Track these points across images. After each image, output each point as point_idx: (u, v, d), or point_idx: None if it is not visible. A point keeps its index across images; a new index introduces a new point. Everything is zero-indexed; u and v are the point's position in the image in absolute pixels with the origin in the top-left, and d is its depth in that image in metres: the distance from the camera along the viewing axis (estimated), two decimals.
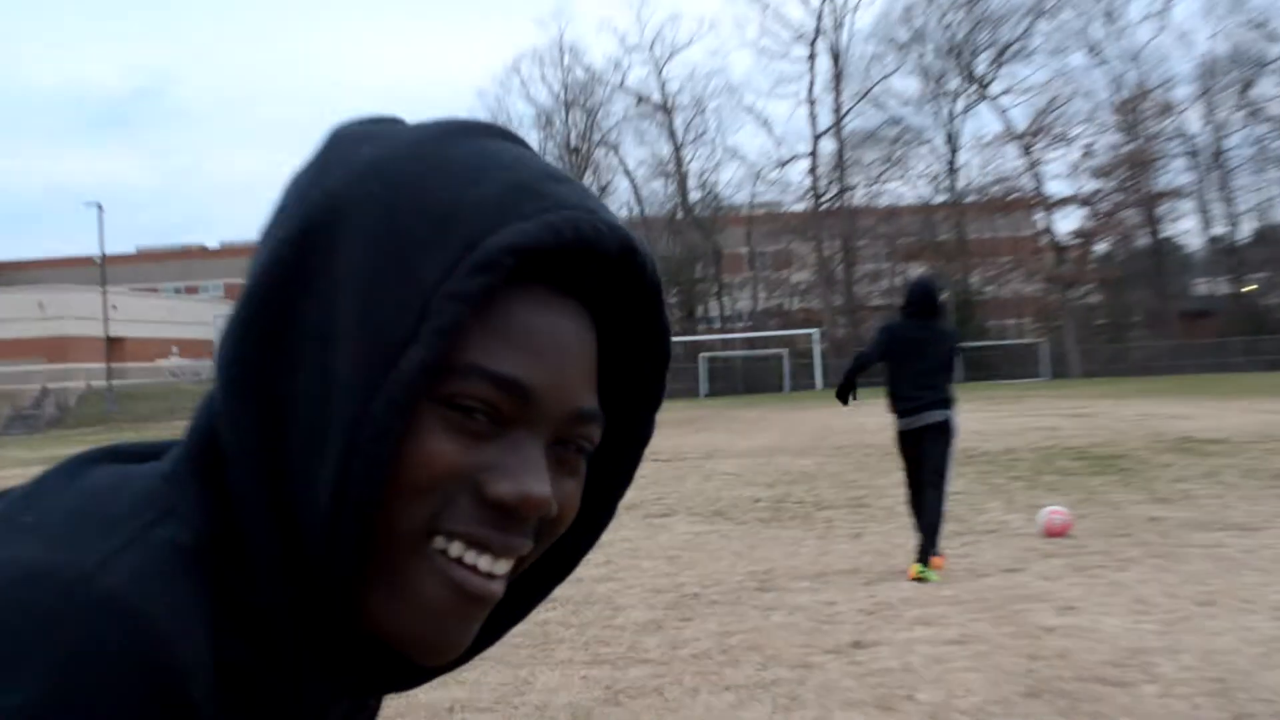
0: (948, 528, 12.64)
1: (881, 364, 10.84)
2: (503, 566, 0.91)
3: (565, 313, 0.92)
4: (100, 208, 77.15)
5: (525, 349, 0.89)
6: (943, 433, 10.54)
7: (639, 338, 1.00)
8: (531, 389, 0.89)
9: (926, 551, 10.22)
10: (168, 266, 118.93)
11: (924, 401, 10.54)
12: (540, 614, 9.25)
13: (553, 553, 1.03)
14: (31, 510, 0.85)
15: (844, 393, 11.04)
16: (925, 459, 10.57)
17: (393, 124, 0.95)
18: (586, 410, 0.94)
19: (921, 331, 10.67)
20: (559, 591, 9.99)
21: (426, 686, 7.20)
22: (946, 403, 10.56)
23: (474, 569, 0.89)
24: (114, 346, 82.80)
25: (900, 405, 10.70)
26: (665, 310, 0.99)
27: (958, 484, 16.60)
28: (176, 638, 0.79)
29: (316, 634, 0.90)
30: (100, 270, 79.45)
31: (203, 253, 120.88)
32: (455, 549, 0.88)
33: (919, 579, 10.06)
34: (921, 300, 10.79)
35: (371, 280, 0.86)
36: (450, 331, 0.84)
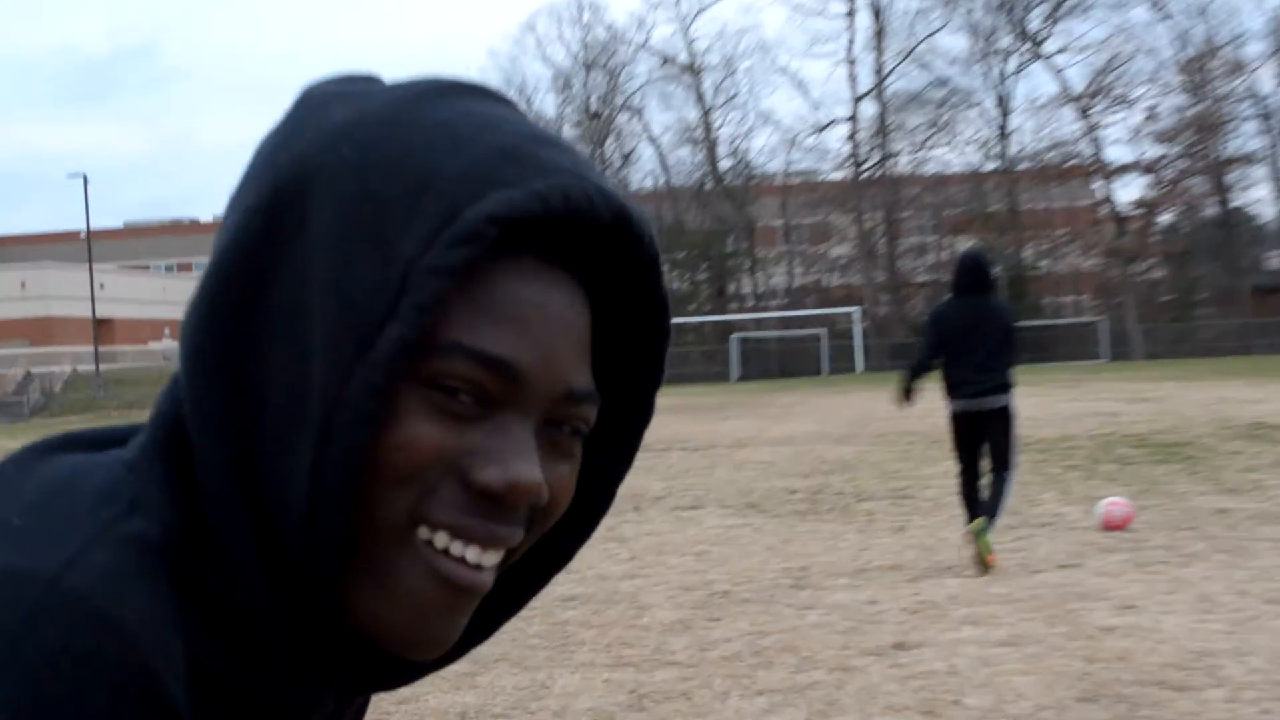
0: (1000, 521, 12.66)
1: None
2: (491, 558, 0.91)
3: (555, 285, 0.92)
4: (85, 179, 77.46)
5: (512, 324, 0.88)
6: (1002, 419, 10.70)
7: (637, 312, 1.00)
8: (519, 367, 0.88)
9: (992, 515, 10.45)
10: (159, 242, 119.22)
11: (983, 386, 10.67)
12: (560, 613, 9.29)
13: (548, 542, 1.02)
14: None
15: (904, 393, 11.32)
16: (990, 447, 10.77)
17: (367, 83, 0.95)
18: (579, 389, 0.93)
19: (973, 311, 10.76)
20: (579, 590, 10.04)
21: (437, 691, 7.26)
22: (1005, 387, 10.68)
23: (461, 560, 0.89)
24: (102, 328, 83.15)
25: (956, 389, 10.82)
26: (664, 282, 0.99)
27: None
28: (148, 640, 0.80)
29: (297, 631, 0.90)
30: (86, 247, 79.77)
31: (196, 227, 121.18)
32: (440, 540, 0.88)
33: (977, 535, 10.20)
34: (970, 276, 10.89)
35: (345, 253, 0.85)
36: (430, 308, 0.84)
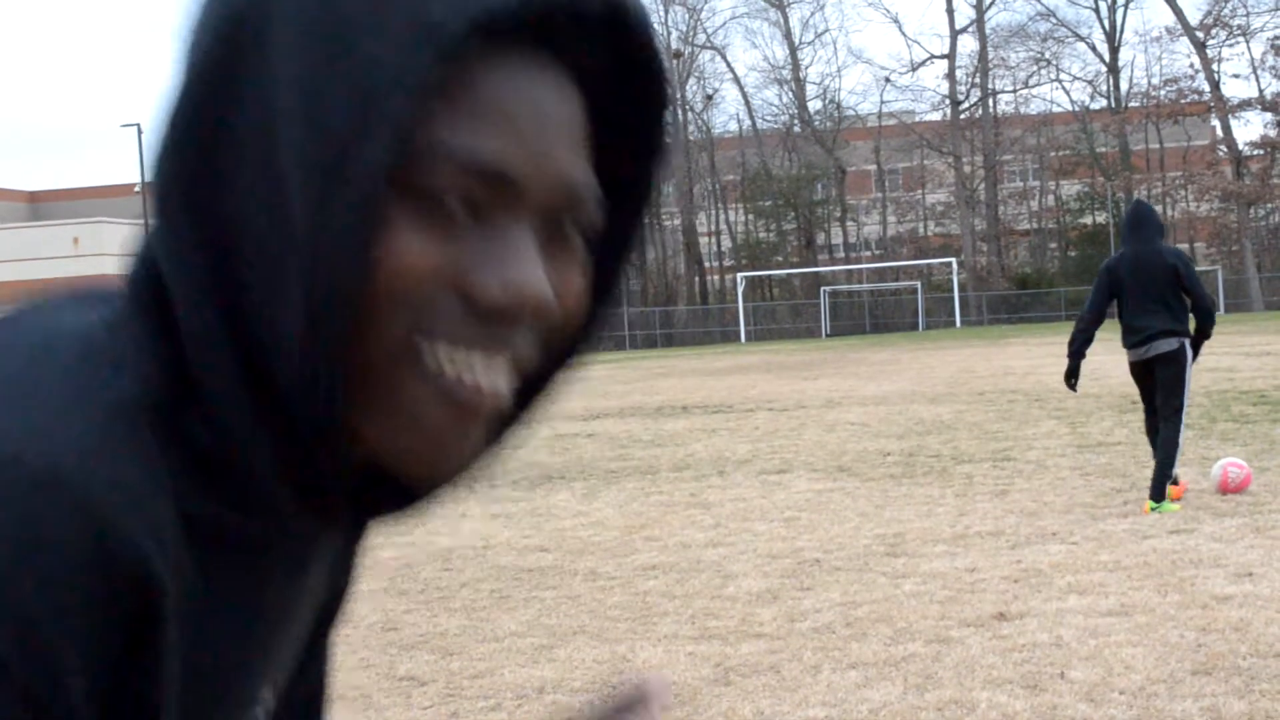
0: (1108, 484, 12.67)
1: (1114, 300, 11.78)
2: (500, 374, 0.90)
3: (543, 78, 0.90)
4: (139, 129, 78.15)
5: (499, 124, 0.87)
6: (1168, 364, 11.44)
7: (632, 98, 0.98)
8: (510, 170, 0.87)
9: (1159, 487, 11.26)
10: None
11: (1149, 333, 11.45)
12: (640, 583, 9.36)
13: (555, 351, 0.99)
14: None
15: (1072, 374, 12.09)
16: (1158, 391, 11.58)
17: None
18: (577, 182, 0.91)
19: (1137, 259, 11.54)
20: (661, 559, 10.10)
21: (513, 665, 7.35)
22: (1172, 333, 11.39)
23: (469, 377, 0.88)
24: None
25: (1126, 339, 11.65)
26: (661, 54, 0.96)
27: (1119, 434, 16.49)
28: (128, 514, 0.79)
29: (298, 474, 0.90)
30: (141, 200, 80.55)
31: None
32: (444, 357, 0.87)
33: (1155, 510, 11.11)
34: (1132, 226, 11.79)
35: (312, 70, 0.84)
36: (408, 117, 0.82)
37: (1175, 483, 11.53)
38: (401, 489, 0.97)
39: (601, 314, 1.02)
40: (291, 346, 0.85)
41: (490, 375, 0.89)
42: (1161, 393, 11.55)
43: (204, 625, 0.87)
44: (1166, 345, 11.41)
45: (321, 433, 0.87)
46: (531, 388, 1.00)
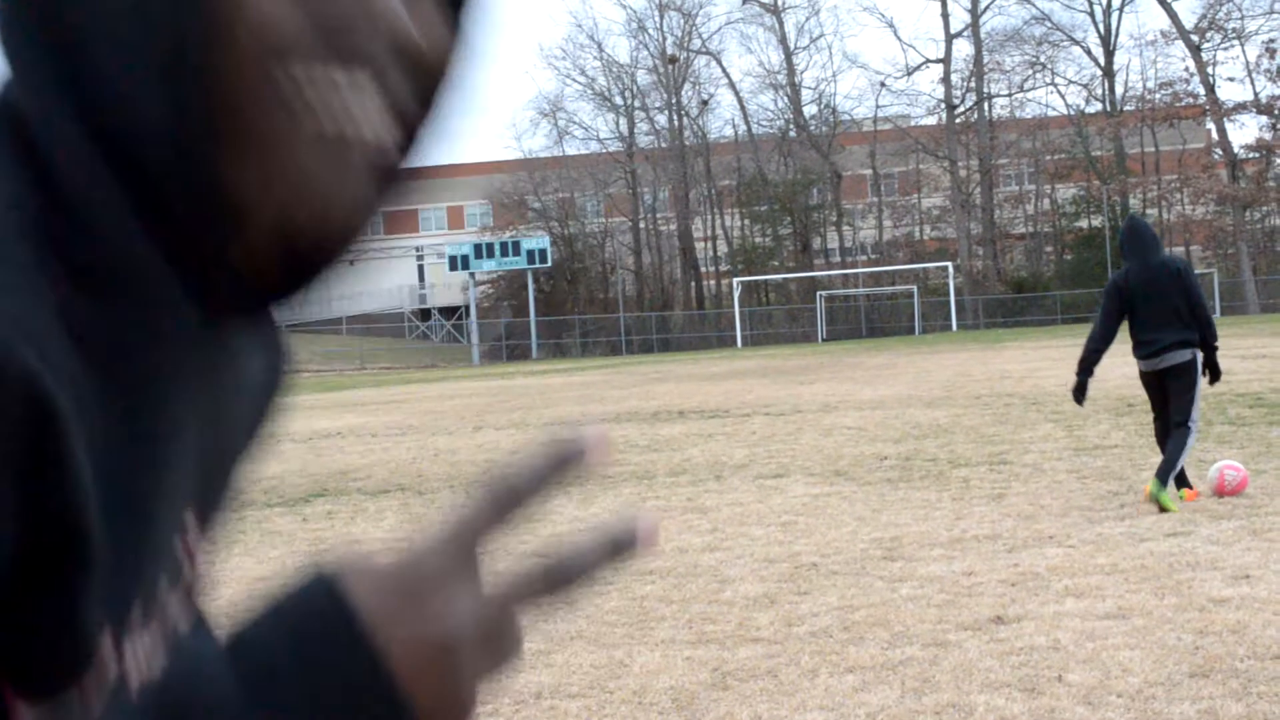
0: (1105, 487, 12.69)
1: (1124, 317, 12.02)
2: (370, 99, 0.88)
3: None
4: None
5: None
6: (1179, 375, 11.72)
7: None
8: None
9: (1165, 473, 11.42)
10: None
11: (1160, 345, 11.71)
12: (638, 588, 9.34)
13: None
14: None
15: (1080, 391, 12.30)
16: (1169, 401, 11.81)
17: None
18: None
19: (1144, 272, 11.78)
20: (657, 564, 10.08)
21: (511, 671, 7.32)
22: (1184, 343, 11.67)
23: (347, 124, 0.87)
24: None
25: (1138, 350, 11.91)
26: None
27: (1115, 437, 16.48)
28: (9, 333, 0.75)
29: (183, 263, 0.87)
30: None
31: None
32: (306, 89, 0.85)
33: (1154, 502, 11.30)
34: (1133, 241, 11.99)
35: None
36: None
37: (1190, 486, 11.77)
38: (295, 265, 0.93)
39: (461, 61, 0.98)
40: (154, 123, 0.83)
41: (368, 119, 0.87)
42: (1172, 403, 11.74)
43: (112, 443, 0.83)
44: (1180, 356, 11.67)
45: (202, 213, 0.85)
46: (410, 142, 0.96)
